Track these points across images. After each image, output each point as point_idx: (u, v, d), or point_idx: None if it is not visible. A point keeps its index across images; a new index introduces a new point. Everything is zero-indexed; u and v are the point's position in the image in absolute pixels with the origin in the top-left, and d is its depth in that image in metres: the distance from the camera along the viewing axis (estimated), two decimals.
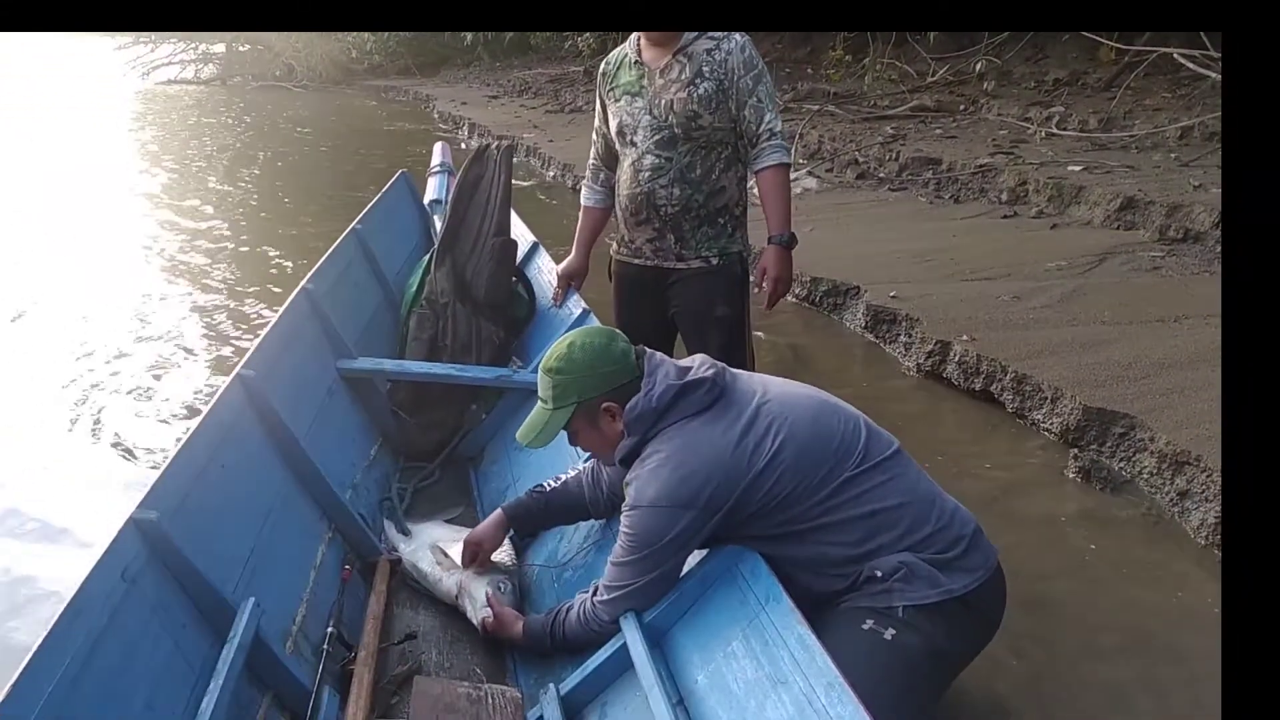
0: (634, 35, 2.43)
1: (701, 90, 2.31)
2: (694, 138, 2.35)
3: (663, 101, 2.34)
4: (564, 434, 1.82)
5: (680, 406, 1.68)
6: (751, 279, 2.52)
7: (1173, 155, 6.12)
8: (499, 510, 2.10)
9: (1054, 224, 5.45)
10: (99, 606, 1.37)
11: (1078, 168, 6.10)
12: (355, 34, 20.87)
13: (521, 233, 3.47)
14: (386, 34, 20.32)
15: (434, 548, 2.16)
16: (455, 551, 2.09)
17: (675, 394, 1.68)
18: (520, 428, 1.82)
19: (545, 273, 3.29)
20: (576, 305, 2.90)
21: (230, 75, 21.27)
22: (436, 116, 14.01)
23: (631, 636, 1.65)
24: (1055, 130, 7.13)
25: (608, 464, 1.90)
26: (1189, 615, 2.31)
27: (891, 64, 10.27)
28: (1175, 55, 6.76)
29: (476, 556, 2.06)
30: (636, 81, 2.39)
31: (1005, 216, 5.73)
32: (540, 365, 1.79)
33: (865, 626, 1.55)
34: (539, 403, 1.80)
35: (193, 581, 1.59)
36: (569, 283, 2.87)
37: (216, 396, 1.97)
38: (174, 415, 3.69)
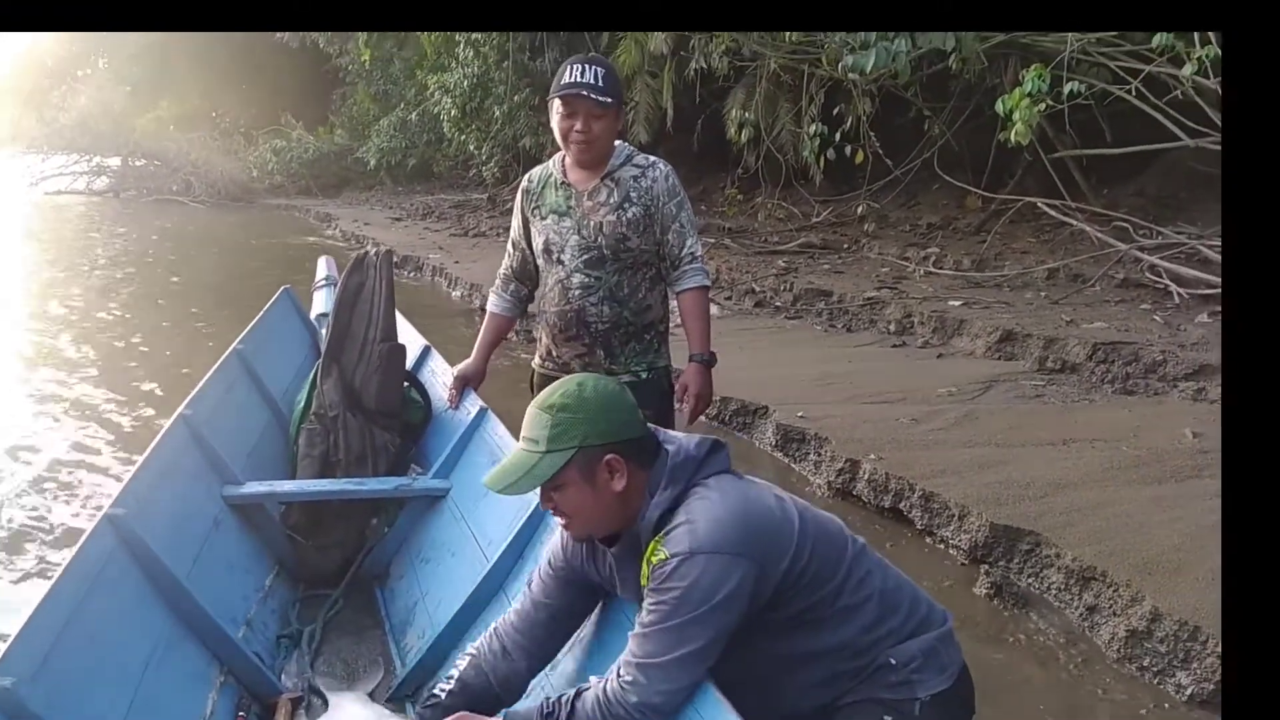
0: (558, 155, 2.49)
1: (630, 214, 2.39)
2: (621, 258, 2.41)
3: (592, 223, 2.40)
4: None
5: (718, 460, 1.57)
6: (675, 395, 2.54)
7: (1042, 294, 6.62)
8: None
9: (940, 353, 5.75)
10: None
11: (957, 303, 6.51)
12: (257, 153, 20.75)
13: (412, 337, 3.42)
14: (288, 154, 20.25)
15: None
16: None
17: (711, 447, 1.57)
18: (490, 473, 1.57)
19: (440, 375, 3.23)
20: (474, 404, 2.84)
21: (124, 188, 20.65)
22: (340, 235, 13.91)
23: None
24: (933, 269, 7.64)
25: (578, 538, 1.66)
26: None
27: (780, 204, 10.92)
28: (1038, 204, 7.44)
29: None
30: (564, 202, 2.44)
31: (895, 345, 6.01)
32: (535, 404, 1.56)
33: None
34: (522, 445, 1.56)
35: None
36: (465, 384, 2.80)
37: (81, 541, 1.78)
38: (34, 568, 3.27)
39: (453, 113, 13.82)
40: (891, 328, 6.37)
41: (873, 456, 3.78)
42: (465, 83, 13.21)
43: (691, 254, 2.45)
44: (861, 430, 4.14)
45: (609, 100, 2.30)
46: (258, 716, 1.94)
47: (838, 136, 8.25)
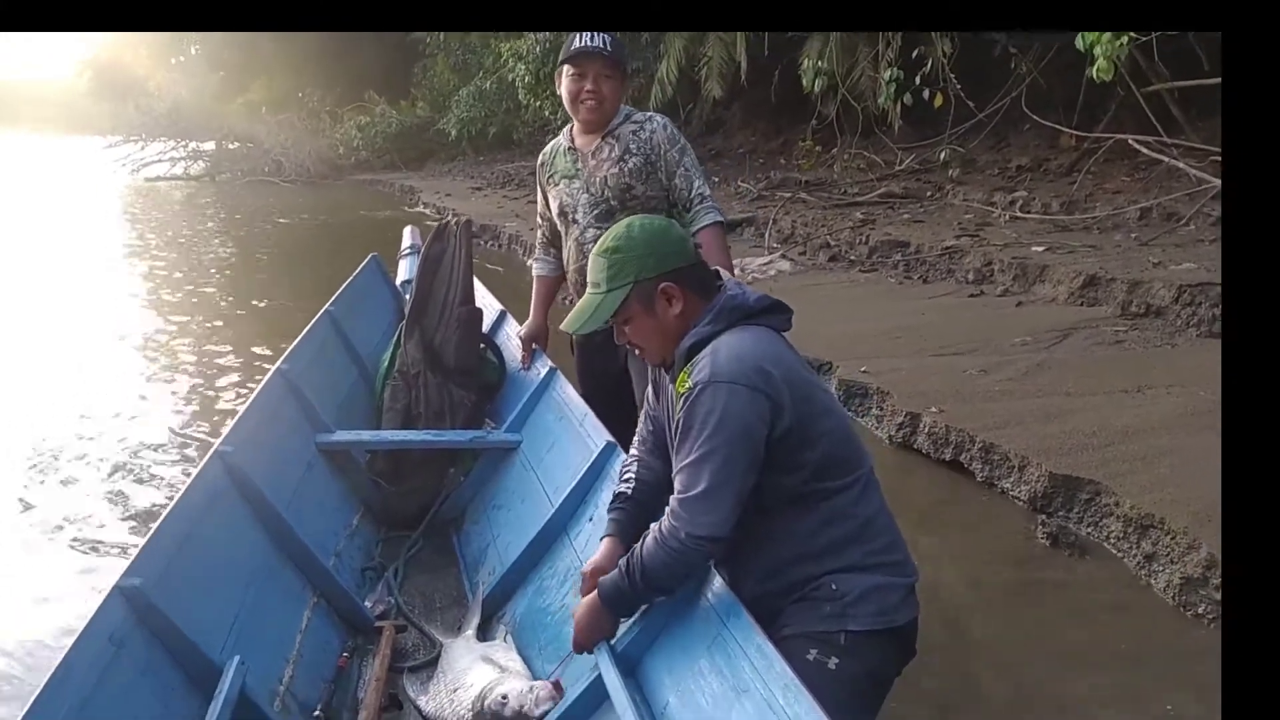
0: (566, 127, 2.69)
1: (631, 164, 2.56)
2: (629, 207, 2.55)
3: (597, 179, 2.58)
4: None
5: (774, 319, 1.68)
6: None
7: (1133, 235, 6.34)
8: (608, 540, 1.78)
9: (1019, 301, 5.60)
10: (88, 669, 1.41)
11: (1041, 248, 6.30)
12: (343, 131, 21.38)
13: (489, 302, 3.62)
14: (372, 130, 20.80)
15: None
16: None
17: (770, 306, 1.68)
18: (566, 319, 1.73)
19: (514, 338, 3.41)
20: (544, 365, 3.03)
21: (219, 171, 21.61)
22: (422, 207, 14.32)
23: (606, 669, 1.67)
24: (1019, 213, 7.38)
25: (653, 362, 1.77)
26: (1162, 674, 2.31)
27: (859, 154, 10.66)
28: (1131, 141, 7.07)
29: None
30: (572, 166, 2.63)
31: (972, 295, 5.88)
32: (594, 250, 1.72)
33: (810, 657, 1.54)
34: (589, 291, 1.71)
35: (179, 644, 1.64)
36: (533, 344, 3.04)
37: (196, 472, 2.05)
38: (153, 492, 3.68)
39: (526, 79, 13.92)
40: (970, 276, 6.23)
41: (933, 409, 3.77)
42: (538, 48, 13.28)
43: (701, 195, 2.58)
44: (927, 383, 4.11)
45: (619, 62, 2.49)
46: (346, 634, 2.21)
47: (917, 80, 7.99)
